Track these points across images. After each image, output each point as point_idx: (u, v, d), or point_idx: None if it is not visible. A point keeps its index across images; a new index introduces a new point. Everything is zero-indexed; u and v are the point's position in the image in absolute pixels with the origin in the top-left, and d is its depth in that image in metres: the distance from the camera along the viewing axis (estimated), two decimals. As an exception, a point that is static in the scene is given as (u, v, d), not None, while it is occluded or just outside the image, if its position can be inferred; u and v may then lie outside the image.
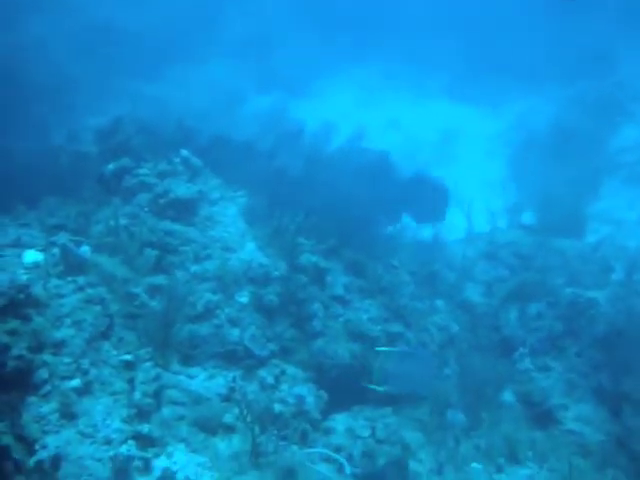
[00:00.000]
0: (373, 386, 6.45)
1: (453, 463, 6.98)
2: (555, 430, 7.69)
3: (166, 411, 6.16)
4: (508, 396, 8.24)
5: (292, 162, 9.93)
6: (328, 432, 6.87)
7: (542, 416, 7.92)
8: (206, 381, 6.66)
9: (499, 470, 6.92)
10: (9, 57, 12.30)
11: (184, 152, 8.45)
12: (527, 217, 12.09)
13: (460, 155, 17.68)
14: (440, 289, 9.72)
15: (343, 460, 6.21)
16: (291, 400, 6.79)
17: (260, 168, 9.26)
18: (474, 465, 6.79)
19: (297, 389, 6.90)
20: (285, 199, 8.84)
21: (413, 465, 6.84)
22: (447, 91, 20.56)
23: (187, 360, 6.93)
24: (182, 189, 8.07)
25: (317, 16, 21.64)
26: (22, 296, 5.54)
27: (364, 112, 19.15)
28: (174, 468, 5.47)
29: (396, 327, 8.37)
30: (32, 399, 5.49)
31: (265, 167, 9.34)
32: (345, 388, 7.54)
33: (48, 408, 5.49)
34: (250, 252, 8.06)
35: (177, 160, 8.44)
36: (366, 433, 6.95)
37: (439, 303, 9.38)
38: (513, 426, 7.58)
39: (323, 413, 7.11)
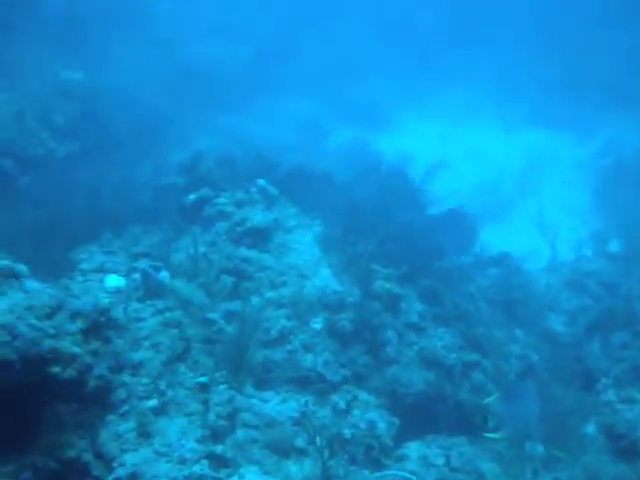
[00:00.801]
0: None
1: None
2: (640, 463, 7.36)
3: (240, 433, 6.27)
4: (591, 428, 7.95)
5: (368, 193, 10.05)
6: (401, 459, 6.82)
7: (627, 449, 7.57)
8: (279, 405, 6.75)
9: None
10: (103, 93, 13.00)
11: (261, 182, 8.71)
12: (613, 246, 11.75)
13: (544, 183, 17.30)
14: (520, 318, 9.51)
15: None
16: (363, 425, 6.76)
17: (336, 198, 9.41)
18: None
19: (369, 415, 6.86)
20: (360, 228, 8.93)
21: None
22: (530, 118, 20.22)
23: (261, 384, 7.05)
24: (258, 217, 8.30)
25: (398, 48, 21.79)
26: (103, 319, 5.83)
27: (445, 141, 19.07)
28: (245, 488, 5.54)
29: (472, 356, 8.21)
30: (111, 417, 5.72)
31: (341, 197, 9.49)
32: (419, 416, 7.49)
33: (126, 427, 5.70)
34: (324, 279, 8.15)
35: (254, 190, 8.69)
36: (440, 461, 6.85)
37: (518, 332, 9.18)
38: (596, 459, 7.29)
39: (395, 440, 7.04)
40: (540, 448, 7.49)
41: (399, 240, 8.78)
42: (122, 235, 8.25)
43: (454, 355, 8.11)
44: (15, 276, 5.73)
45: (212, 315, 7.37)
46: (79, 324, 5.61)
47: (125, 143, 11.98)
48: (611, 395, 8.19)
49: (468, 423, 7.59)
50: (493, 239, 11.96)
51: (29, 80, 12.82)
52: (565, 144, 18.73)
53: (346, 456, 6.38)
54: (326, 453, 6.16)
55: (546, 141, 18.83)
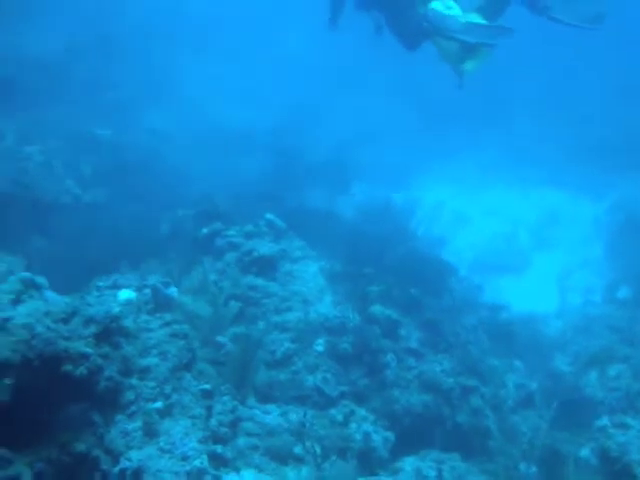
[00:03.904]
0: None
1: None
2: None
3: (241, 440, 6.63)
4: (585, 452, 8.13)
5: (373, 229, 10.60)
6: (395, 472, 7.07)
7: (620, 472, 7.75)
8: (279, 417, 7.09)
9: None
10: (130, 149, 13.87)
11: (269, 215, 9.29)
12: (623, 292, 12.09)
13: (558, 237, 17.69)
14: (520, 351, 9.82)
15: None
16: (359, 437, 7.08)
17: (342, 233, 9.96)
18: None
19: (366, 428, 7.18)
20: (362, 261, 9.43)
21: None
22: (546, 180, 20.71)
23: (263, 399, 7.43)
24: (265, 248, 8.84)
25: (414, 115, 22.54)
26: (114, 325, 6.33)
27: (459, 201, 19.54)
28: (243, 484, 5.89)
29: (471, 381, 8.50)
30: (119, 417, 6.15)
31: (346, 232, 10.03)
32: (417, 436, 7.77)
33: (133, 426, 6.12)
34: (327, 305, 8.61)
35: (262, 223, 9.27)
36: (432, 474, 7.09)
37: (517, 363, 9.46)
38: (590, 480, 7.49)
39: (392, 456, 7.32)
40: (534, 469, 7.68)
41: (400, 272, 9.20)
42: (138, 267, 8.79)
43: (452, 380, 8.37)
44: (35, 287, 6.29)
45: (220, 338, 7.81)
46: (92, 329, 6.11)
47: (147, 196, 12.64)
48: (605, 421, 8.37)
49: (466, 444, 7.86)
50: (507, 288, 12.42)
51: (61, 135, 13.74)
52: (579, 202, 19.20)
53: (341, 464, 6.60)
54: (323, 461, 6.46)
55: (561, 200, 19.32)
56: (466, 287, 10.72)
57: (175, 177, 13.24)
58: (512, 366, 9.29)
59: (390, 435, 7.32)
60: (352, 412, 7.37)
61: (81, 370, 5.86)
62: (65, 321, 6.07)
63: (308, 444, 6.67)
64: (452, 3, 7.02)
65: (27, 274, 6.23)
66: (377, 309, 8.54)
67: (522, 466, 7.71)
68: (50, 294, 6.30)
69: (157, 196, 11.96)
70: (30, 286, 6.19)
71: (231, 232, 9.12)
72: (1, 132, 12.77)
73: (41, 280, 6.33)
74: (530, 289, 13.98)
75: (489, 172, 21.07)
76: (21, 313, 5.84)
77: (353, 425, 7.25)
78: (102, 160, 13.40)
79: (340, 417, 7.29)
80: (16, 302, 5.99)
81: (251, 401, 7.23)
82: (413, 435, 7.79)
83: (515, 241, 17.08)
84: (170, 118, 17.05)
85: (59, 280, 7.00)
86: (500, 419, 8.26)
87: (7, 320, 5.73)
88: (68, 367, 5.80)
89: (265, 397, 7.53)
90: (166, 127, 16.50)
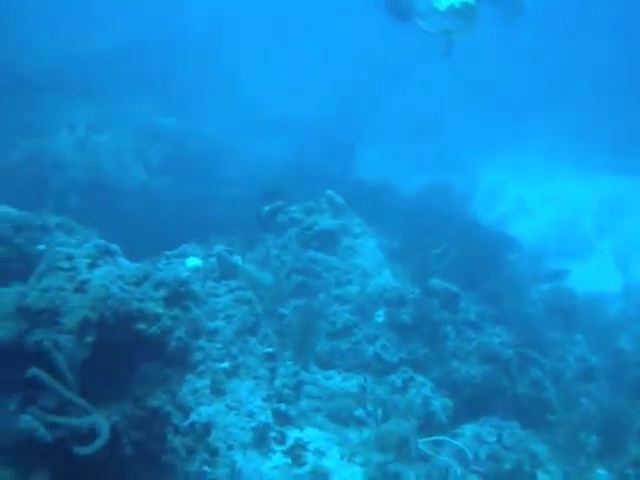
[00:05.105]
0: None
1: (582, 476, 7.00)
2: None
3: (303, 403, 6.88)
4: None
5: (433, 208, 10.71)
6: (454, 436, 7.19)
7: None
8: (341, 382, 7.30)
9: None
10: (192, 137, 14.34)
11: (329, 192, 9.51)
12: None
13: (621, 224, 17.41)
14: (581, 326, 9.77)
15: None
16: (418, 401, 7.23)
17: (401, 210, 10.11)
18: (600, 472, 6.80)
19: (425, 393, 7.32)
20: (423, 236, 9.55)
21: (540, 475, 6.95)
22: (607, 164, 20.36)
23: (324, 366, 7.65)
24: (326, 223, 9.07)
25: (476, 98, 22.44)
26: (183, 289, 6.68)
27: (519, 186, 19.38)
28: (306, 439, 6.14)
29: (530, 353, 8.51)
30: (189, 376, 6.48)
31: (406, 209, 10.18)
32: (477, 407, 7.85)
33: (202, 384, 6.44)
34: (387, 278, 8.78)
35: (323, 199, 9.50)
36: (492, 439, 7.18)
37: (578, 337, 9.43)
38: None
39: (451, 421, 7.44)
40: (594, 439, 7.68)
41: (460, 246, 9.28)
42: (204, 243, 9.15)
43: (511, 351, 8.41)
44: (110, 253, 6.69)
45: (282, 309, 8.08)
46: (162, 292, 6.47)
47: (209, 179, 13.07)
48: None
49: (525, 414, 7.91)
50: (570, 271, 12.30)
51: (128, 125, 14.32)
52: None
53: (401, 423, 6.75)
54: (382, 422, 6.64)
55: (623, 185, 18.94)
56: (528, 262, 10.70)
57: (235, 161, 13.64)
58: (573, 340, 9.26)
59: (449, 401, 7.41)
60: (411, 378, 7.51)
61: (153, 330, 6.20)
62: (137, 284, 6.43)
63: (370, 407, 6.83)
64: None
65: (102, 241, 6.63)
66: (436, 282, 8.65)
67: (582, 436, 7.69)
68: (123, 260, 6.68)
69: (219, 179, 12.36)
70: (105, 252, 6.58)
71: (292, 208, 9.38)
72: (73, 123, 13.36)
73: (115, 247, 6.72)
74: (592, 273, 13.82)
75: (550, 157, 20.83)
76: (97, 276, 6.24)
77: (412, 390, 7.40)
78: (167, 148, 13.92)
79: (399, 382, 7.45)
80: (92, 266, 6.38)
81: (313, 367, 7.44)
82: (472, 405, 7.87)
83: (577, 226, 16.85)
84: (229, 108, 17.47)
85: (130, 252, 7.39)
86: (560, 391, 8.25)
87: (85, 282, 6.13)
88: (141, 326, 6.15)
89: (326, 365, 7.73)
90: (225, 116, 16.91)
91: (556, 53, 24.22)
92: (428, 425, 7.21)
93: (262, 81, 19.88)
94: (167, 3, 22.02)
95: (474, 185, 14.30)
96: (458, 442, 6.69)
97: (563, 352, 8.90)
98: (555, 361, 8.71)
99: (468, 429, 7.39)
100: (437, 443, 6.86)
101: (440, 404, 7.36)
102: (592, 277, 13.45)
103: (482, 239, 9.93)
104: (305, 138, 15.27)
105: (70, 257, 6.24)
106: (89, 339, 5.82)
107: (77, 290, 5.98)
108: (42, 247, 6.98)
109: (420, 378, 7.61)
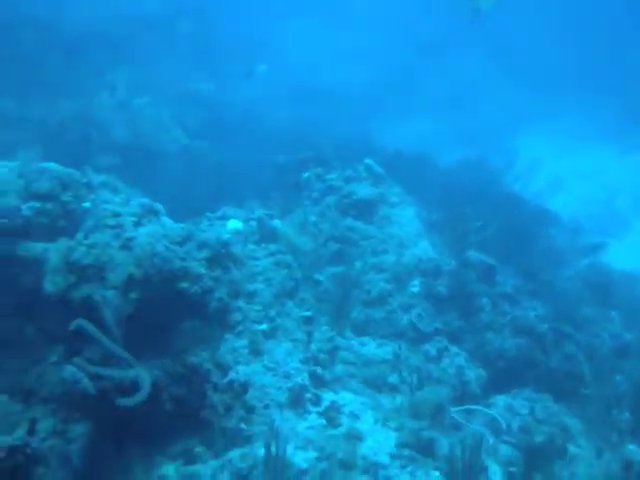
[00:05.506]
0: None
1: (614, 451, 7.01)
2: None
3: (338, 368, 6.97)
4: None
5: (470, 181, 10.65)
6: (487, 406, 7.24)
7: None
8: (375, 349, 7.38)
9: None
10: (230, 103, 14.40)
11: (368, 161, 9.50)
12: None
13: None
14: (617, 302, 9.71)
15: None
16: (452, 371, 7.28)
17: (439, 181, 10.08)
18: (631, 447, 6.81)
19: (459, 362, 7.37)
20: (461, 209, 9.52)
21: (572, 448, 6.98)
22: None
23: (359, 333, 7.73)
24: (364, 192, 9.08)
25: (510, 72, 22.16)
26: (224, 251, 6.78)
27: (559, 163, 19.14)
28: (341, 402, 6.24)
29: (565, 328, 8.49)
30: (228, 336, 6.61)
31: (444, 181, 10.14)
32: (510, 379, 7.88)
33: (240, 344, 6.58)
34: (423, 249, 8.79)
35: (361, 168, 9.50)
36: (525, 411, 7.21)
37: (614, 314, 9.38)
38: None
39: (483, 391, 7.49)
40: (627, 415, 7.68)
41: (498, 218, 9.24)
42: (243, 206, 9.24)
43: (546, 325, 8.39)
44: (154, 212, 6.80)
45: (318, 276, 8.15)
46: (204, 253, 6.57)
47: (247, 144, 13.12)
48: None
49: (558, 388, 7.92)
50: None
51: (167, 89, 14.40)
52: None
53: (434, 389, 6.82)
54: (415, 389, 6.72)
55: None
56: (566, 236, 10.62)
57: (273, 127, 13.67)
58: (608, 317, 9.21)
59: (482, 372, 7.45)
60: (446, 348, 7.55)
61: (195, 289, 6.32)
62: (181, 244, 6.53)
63: (404, 374, 6.90)
64: None
65: (147, 200, 6.74)
66: (473, 254, 8.64)
67: (614, 411, 7.69)
68: (167, 220, 6.79)
69: (257, 144, 12.41)
70: (149, 211, 6.69)
71: (331, 176, 9.41)
72: (114, 85, 13.46)
73: (159, 206, 6.82)
74: (629, 251, 13.65)
75: (586, 134, 20.54)
76: (142, 234, 6.36)
77: (446, 360, 7.45)
78: (205, 112, 13.99)
79: (434, 351, 7.50)
80: (137, 224, 6.49)
81: (348, 333, 7.52)
82: (505, 377, 7.90)
83: (614, 204, 16.65)
84: (269, 73, 17.44)
85: (171, 213, 7.50)
86: (593, 366, 8.23)
87: (130, 240, 6.25)
88: (184, 285, 6.27)
89: (361, 332, 7.81)
90: (263, 82, 16.90)
91: (597, 30, 23.67)
92: (461, 395, 7.25)
93: (303, 50, 19.83)
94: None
95: (511, 159, 14.11)
96: (492, 411, 6.72)
97: (598, 328, 8.83)
98: (590, 337, 8.66)
99: (500, 400, 7.41)
100: (470, 412, 6.91)
101: (474, 374, 7.40)
102: (628, 255, 13.27)
103: (522, 213, 9.86)
104: (343, 107, 15.25)
105: (116, 215, 6.36)
106: (133, 295, 5.95)
107: (123, 247, 6.10)
108: (87, 205, 7.08)
109: (454, 349, 7.64)
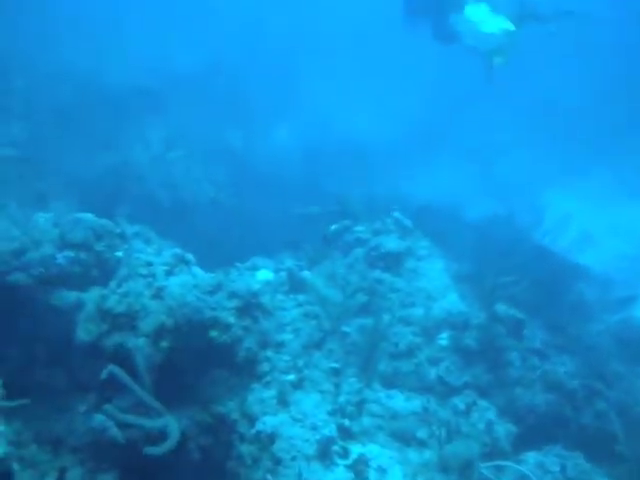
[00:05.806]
0: None
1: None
2: None
3: (366, 420, 6.94)
4: None
5: (499, 236, 10.67)
6: (517, 463, 7.12)
7: None
8: (403, 402, 7.34)
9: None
10: (259, 155, 14.72)
11: (396, 214, 9.59)
12: None
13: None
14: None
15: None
16: (481, 426, 7.20)
17: (468, 235, 10.11)
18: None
19: (488, 417, 7.29)
20: (490, 263, 9.51)
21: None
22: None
23: (387, 386, 7.70)
24: (392, 244, 9.15)
25: (540, 128, 22.30)
26: (254, 301, 6.86)
27: (584, 217, 19.04)
28: (369, 455, 6.19)
29: (596, 384, 8.38)
30: (256, 385, 6.63)
31: (473, 235, 10.18)
32: (540, 436, 7.75)
33: (268, 394, 6.59)
34: (452, 302, 8.77)
35: (390, 221, 9.59)
36: (556, 469, 7.08)
37: (646, 372, 9.23)
38: None
39: (514, 447, 7.38)
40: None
41: (527, 273, 9.21)
42: (272, 257, 9.35)
43: (577, 382, 8.28)
44: (185, 262, 6.93)
45: (345, 328, 8.18)
46: (234, 302, 6.66)
47: (276, 197, 13.33)
48: None
49: (589, 446, 7.77)
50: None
51: (199, 142, 14.77)
52: None
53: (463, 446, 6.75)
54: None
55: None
56: (596, 291, 10.54)
57: (302, 181, 13.90)
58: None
59: (513, 427, 7.35)
60: (474, 402, 7.48)
61: (224, 338, 6.39)
62: (211, 293, 6.62)
63: (434, 428, 6.84)
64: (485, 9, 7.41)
65: (178, 250, 6.87)
66: (502, 308, 8.61)
67: (648, 473, 7.52)
68: (197, 269, 6.91)
69: (286, 196, 12.61)
70: (181, 261, 6.82)
71: (359, 228, 9.49)
72: (149, 141, 13.86)
73: (189, 256, 6.96)
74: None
75: (616, 188, 20.45)
76: (174, 283, 6.47)
77: (475, 414, 7.36)
78: (235, 166, 14.30)
79: (462, 406, 7.43)
80: (169, 274, 6.62)
81: (376, 386, 7.49)
82: (535, 433, 7.78)
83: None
84: (296, 128, 17.83)
85: (201, 263, 7.63)
86: (625, 424, 8.07)
87: (162, 289, 6.36)
88: (213, 334, 6.35)
89: (389, 384, 7.77)
90: (292, 137, 17.25)
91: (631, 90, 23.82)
92: (491, 451, 7.15)
93: (333, 101, 20.22)
94: (247, 21, 22.66)
95: (539, 214, 14.10)
96: (523, 468, 6.60)
97: (629, 385, 8.68)
98: (621, 393, 8.51)
99: (531, 457, 7.28)
100: (499, 469, 6.80)
101: (504, 430, 7.30)
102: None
103: (551, 266, 9.81)
104: (372, 160, 15.47)
105: (149, 264, 6.49)
106: (164, 344, 6.03)
107: (155, 296, 6.20)
108: (120, 254, 7.24)
109: (484, 403, 7.56)
